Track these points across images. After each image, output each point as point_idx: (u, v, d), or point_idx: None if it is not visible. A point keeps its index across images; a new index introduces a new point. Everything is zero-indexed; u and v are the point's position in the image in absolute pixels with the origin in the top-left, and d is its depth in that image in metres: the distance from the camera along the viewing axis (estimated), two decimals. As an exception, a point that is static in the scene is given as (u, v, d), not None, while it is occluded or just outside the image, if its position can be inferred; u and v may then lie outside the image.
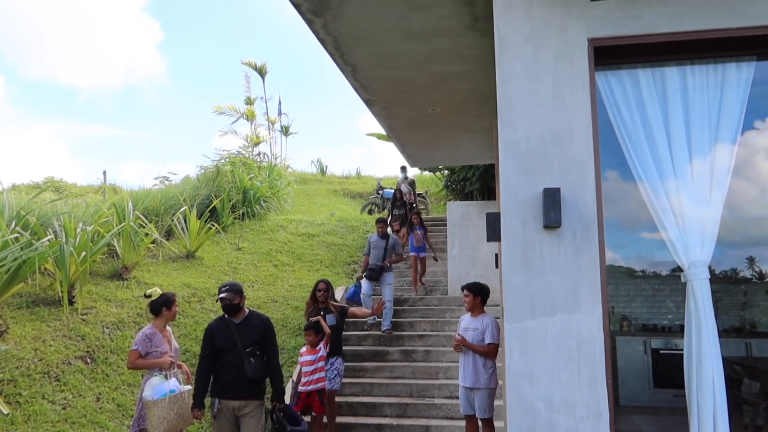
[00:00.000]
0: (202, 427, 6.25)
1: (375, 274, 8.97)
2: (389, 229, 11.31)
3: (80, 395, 6.10)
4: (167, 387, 4.61)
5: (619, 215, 3.07)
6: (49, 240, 6.79)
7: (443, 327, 9.11)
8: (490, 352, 5.40)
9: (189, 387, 4.84)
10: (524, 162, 2.78)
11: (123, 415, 6.11)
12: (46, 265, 6.98)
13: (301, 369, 6.05)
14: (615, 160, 2.93)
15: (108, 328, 7.47)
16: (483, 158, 8.03)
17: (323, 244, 13.36)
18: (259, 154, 17.03)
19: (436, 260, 11.33)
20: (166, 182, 14.62)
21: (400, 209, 12.84)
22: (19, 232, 6.54)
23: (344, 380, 7.75)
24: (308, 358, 5.92)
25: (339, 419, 7.23)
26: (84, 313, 7.52)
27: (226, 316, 4.72)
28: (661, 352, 3.66)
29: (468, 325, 5.63)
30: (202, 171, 14.58)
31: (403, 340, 8.85)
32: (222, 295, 4.62)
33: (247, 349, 4.56)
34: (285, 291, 10.52)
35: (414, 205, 13.07)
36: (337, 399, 7.60)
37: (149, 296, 5.04)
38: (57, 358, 6.43)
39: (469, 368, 5.48)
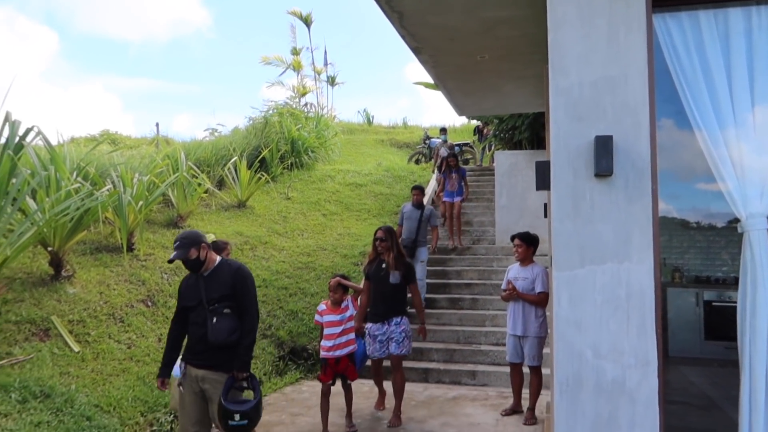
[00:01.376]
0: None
1: (408, 252, 7.88)
2: (425, 199, 11.00)
3: (143, 335, 6.47)
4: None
5: (673, 165, 2.99)
6: (108, 190, 7.08)
7: (490, 276, 9.16)
8: (540, 301, 5.41)
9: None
10: (576, 109, 2.71)
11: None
12: (106, 213, 7.30)
13: (322, 331, 5.25)
14: (671, 108, 2.82)
15: (166, 273, 7.82)
16: (532, 106, 7.80)
17: (371, 194, 13.46)
18: (306, 104, 17.09)
19: (464, 200, 10.51)
20: (216, 134, 14.89)
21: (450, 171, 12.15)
22: (80, 183, 6.83)
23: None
24: (332, 317, 5.18)
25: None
26: (143, 260, 7.88)
27: None
28: (713, 304, 3.60)
29: (517, 275, 5.62)
30: (251, 122, 14.77)
31: (450, 288, 8.95)
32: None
33: (212, 306, 3.71)
34: (334, 239, 10.71)
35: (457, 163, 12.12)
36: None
37: None
38: (121, 301, 6.81)
39: (519, 317, 5.51)
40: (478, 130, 17.18)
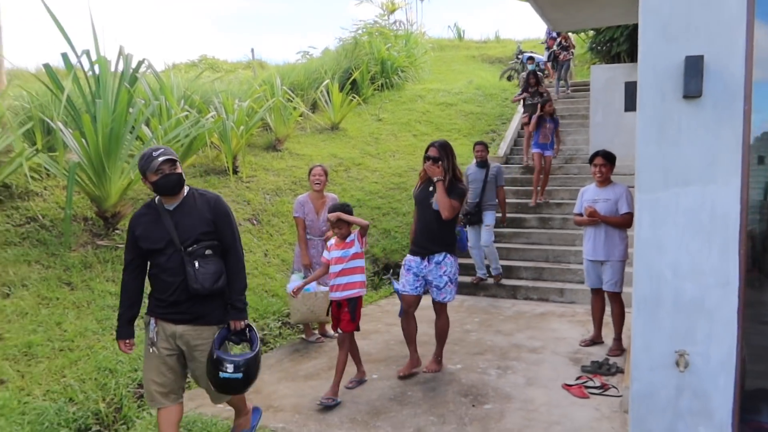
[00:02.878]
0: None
1: (474, 218, 7.18)
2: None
3: (251, 251, 7.08)
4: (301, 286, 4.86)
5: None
6: (212, 117, 7.56)
7: (582, 196, 9.03)
8: (625, 222, 5.01)
9: (325, 288, 4.98)
10: (666, 29, 2.63)
11: (287, 268, 7.04)
12: (212, 139, 7.83)
13: (329, 269, 4.46)
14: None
15: (268, 194, 8.38)
16: (631, 17, 7.28)
17: (461, 113, 13.36)
18: (395, 22, 16.83)
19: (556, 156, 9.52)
20: (308, 56, 15.12)
21: (534, 97, 10.07)
22: (187, 110, 7.34)
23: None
24: (336, 253, 4.37)
25: (466, 278, 7.73)
26: (247, 181, 8.47)
27: (156, 200, 3.16)
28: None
29: (596, 197, 5.17)
30: (341, 43, 14.84)
31: (541, 208, 8.95)
32: (161, 159, 2.99)
33: (190, 248, 3.04)
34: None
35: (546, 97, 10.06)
36: (469, 261, 8.07)
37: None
38: (229, 220, 7.44)
39: (600, 240, 5.11)
40: (552, 55, 14.65)
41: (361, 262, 4.45)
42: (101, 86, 5.57)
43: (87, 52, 5.53)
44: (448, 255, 4.62)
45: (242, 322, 3.20)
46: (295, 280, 5.26)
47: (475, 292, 7.60)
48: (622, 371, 4.74)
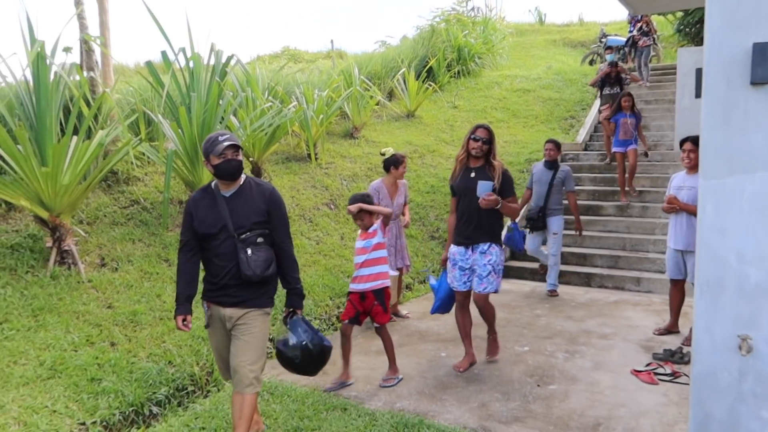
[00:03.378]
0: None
1: (537, 224, 6.66)
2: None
3: (328, 234, 7.44)
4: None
5: None
6: (293, 107, 7.96)
7: (663, 183, 8.76)
8: None
9: (395, 272, 5.24)
10: (733, 16, 2.64)
11: (362, 252, 7.37)
12: (293, 127, 8.25)
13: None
14: None
15: (345, 180, 8.72)
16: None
17: (539, 100, 13.20)
18: (473, 9, 16.75)
19: (647, 155, 9.08)
20: (386, 45, 15.37)
21: (614, 87, 9.58)
22: (271, 101, 7.77)
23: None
24: (359, 243, 4.38)
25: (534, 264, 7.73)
26: (325, 168, 8.85)
27: (212, 185, 3.27)
28: None
29: (683, 183, 5.11)
30: (418, 31, 14.98)
31: (620, 195, 8.78)
32: (226, 144, 3.08)
33: (243, 235, 3.14)
34: (500, 147, 10.81)
35: (627, 80, 9.80)
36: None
37: (383, 154, 5.84)
38: (309, 204, 7.83)
39: (682, 229, 5.04)
40: (632, 40, 13.38)
41: (384, 252, 4.41)
42: (195, 80, 6.05)
43: (183, 50, 6.02)
44: (494, 245, 4.45)
45: (300, 310, 3.40)
46: None
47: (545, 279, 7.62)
48: (694, 360, 4.70)
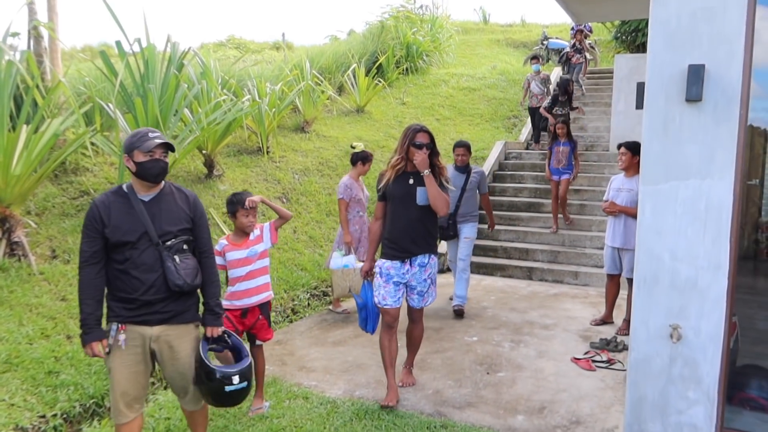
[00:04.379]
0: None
1: (448, 232, 6.06)
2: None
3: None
4: (341, 262, 5.70)
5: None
6: (247, 100, 7.97)
7: (600, 183, 9.31)
8: None
9: (361, 264, 5.33)
10: (672, 39, 2.95)
11: (314, 245, 7.48)
12: (246, 120, 8.26)
13: (227, 273, 3.86)
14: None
15: (297, 174, 8.80)
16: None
17: (484, 98, 13.60)
18: (421, 6, 17.00)
19: (574, 179, 8.39)
20: (335, 40, 15.43)
21: (564, 107, 9.88)
22: (226, 94, 7.75)
23: (500, 227, 8.49)
24: (236, 254, 3.81)
25: (493, 260, 8.10)
26: (277, 161, 8.89)
27: (125, 187, 2.91)
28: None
29: (621, 186, 5.44)
30: (368, 27, 15.11)
31: (551, 221, 9.22)
32: (158, 141, 2.83)
33: (168, 242, 2.86)
34: (447, 144, 11.17)
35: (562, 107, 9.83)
36: (493, 243, 8.45)
37: (354, 148, 5.99)
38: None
39: (620, 228, 5.37)
40: (565, 57, 13.19)
41: (268, 261, 3.97)
42: (150, 71, 6.00)
43: (138, 40, 5.96)
44: (432, 255, 4.03)
45: (219, 329, 3.08)
46: (336, 257, 5.72)
47: (492, 272, 7.98)
48: (627, 349, 5.11)
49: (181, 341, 2.93)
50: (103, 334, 2.80)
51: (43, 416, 3.72)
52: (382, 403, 3.97)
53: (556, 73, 13.88)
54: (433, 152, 3.90)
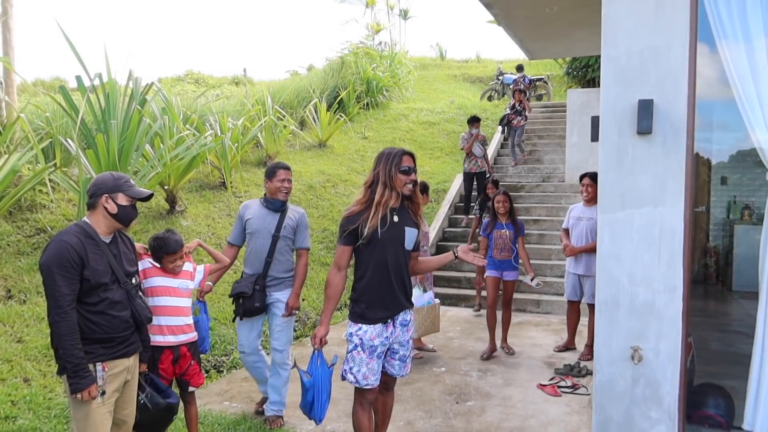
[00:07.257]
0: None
1: (252, 303, 4.23)
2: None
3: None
4: (424, 299, 5.54)
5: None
6: (210, 135, 7.97)
7: (558, 213, 9.59)
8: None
9: (438, 300, 5.57)
10: (623, 76, 3.15)
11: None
12: (209, 156, 8.24)
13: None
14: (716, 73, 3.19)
15: (260, 208, 8.78)
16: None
17: (443, 132, 13.92)
18: (380, 43, 17.44)
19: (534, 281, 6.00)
20: (295, 75, 15.61)
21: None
22: (189, 129, 7.74)
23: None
24: (166, 281, 3.48)
25: (457, 290, 8.19)
26: (240, 196, 8.86)
27: (86, 229, 2.85)
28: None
29: (581, 215, 5.55)
30: (328, 62, 15.37)
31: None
32: (146, 193, 2.97)
33: (131, 281, 2.98)
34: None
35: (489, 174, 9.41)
36: (456, 274, 8.54)
37: None
38: (225, 232, 7.80)
39: (582, 256, 5.50)
40: (506, 119, 12.06)
41: (189, 301, 3.62)
42: (111, 106, 5.96)
43: (99, 75, 5.93)
44: (410, 311, 3.35)
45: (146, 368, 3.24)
46: (417, 295, 5.47)
47: (457, 302, 8.07)
48: (591, 373, 5.23)
49: (136, 370, 3.11)
50: (94, 377, 2.79)
51: (0, 464, 3.57)
52: None
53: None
54: (415, 183, 3.25)
